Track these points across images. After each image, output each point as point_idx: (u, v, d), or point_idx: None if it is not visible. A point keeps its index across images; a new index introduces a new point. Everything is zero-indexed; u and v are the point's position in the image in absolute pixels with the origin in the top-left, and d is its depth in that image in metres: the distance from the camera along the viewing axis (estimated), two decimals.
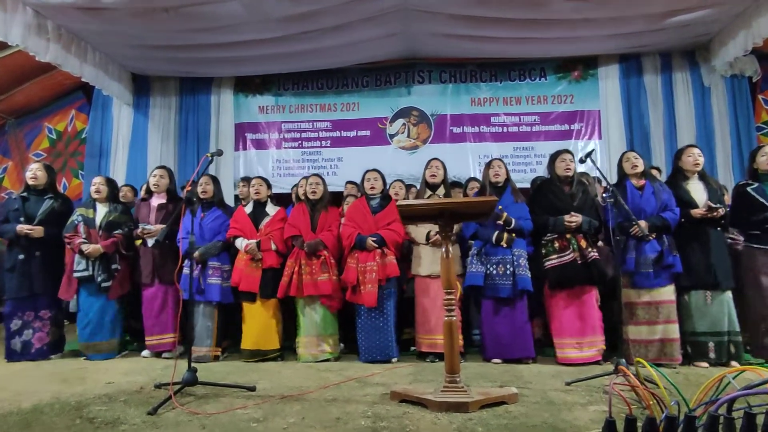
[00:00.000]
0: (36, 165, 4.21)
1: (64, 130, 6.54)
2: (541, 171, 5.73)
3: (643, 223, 3.54)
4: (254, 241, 3.98)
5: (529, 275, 3.62)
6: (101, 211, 4.19)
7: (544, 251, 3.69)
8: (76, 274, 4.01)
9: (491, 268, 3.67)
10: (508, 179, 3.91)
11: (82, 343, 4.03)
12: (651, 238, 3.57)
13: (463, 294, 3.81)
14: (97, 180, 4.27)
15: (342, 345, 4.14)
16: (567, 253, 3.59)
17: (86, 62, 5.32)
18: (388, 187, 4.61)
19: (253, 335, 3.93)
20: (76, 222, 4.09)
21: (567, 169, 3.72)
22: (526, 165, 5.89)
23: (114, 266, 4.08)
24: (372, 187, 4.04)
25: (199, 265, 3.96)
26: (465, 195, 4.63)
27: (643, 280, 3.56)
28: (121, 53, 5.62)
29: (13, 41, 4.47)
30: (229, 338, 4.22)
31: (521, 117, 6.03)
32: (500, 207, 3.67)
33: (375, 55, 5.93)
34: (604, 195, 3.29)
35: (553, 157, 3.83)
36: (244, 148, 6.35)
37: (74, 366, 3.76)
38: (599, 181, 4.19)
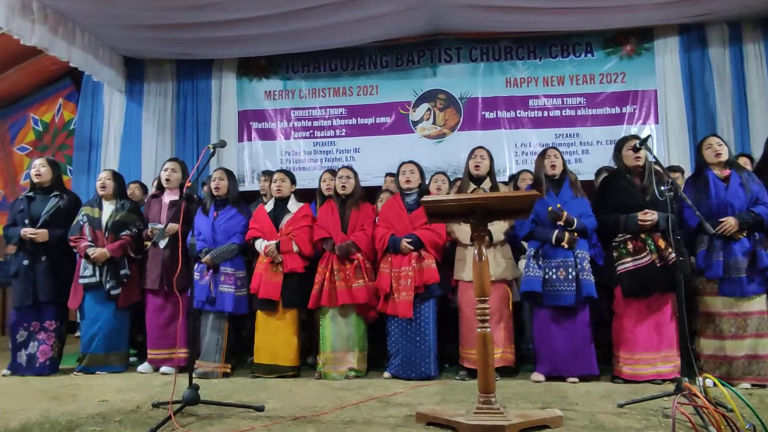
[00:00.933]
0: (39, 161, 4.31)
1: (51, 121, 6.69)
2: (588, 161, 5.67)
3: (732, 221, 3.45)
4: (274, 242, 4.01)
5: (593, 281, 3.58)
6: (107, 209, 4.27)
7: (615, 254, 3.61)
8: (82, 281, 4.11)
9: (551, 273, 3.63)
10: (565, 171, 3.86)
11: (90, 354, 4.11)
12: (741, 237, 3.47)
13: (516, 300, 3.78)
14: (103, 174, 4.36)
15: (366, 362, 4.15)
16: (643, 255, 3.52)
17: (74, 45, 5.43)
18: (428, 181, 4.61)
19: (270, 349, 3.95)
20: (81, 223, 4.18)
21: (637, 158, 3.64)
22: (570, 155, 5.81)
23: (123, 271, 4.16)
24: (407, 181, 4.03)
25: (210, 271, 4.00)
26: (516, 188, 4.58)
27: (733, 288, 3.45)
28: (113, 34, 5.72)
29: None
30: (239, 353, 4.26)
31: (564, 99, 5.95)
32: (558, 206, 3.63)
33: (395, 31, 5.90)
34: (662, 188, 3.22)
35: (619, 146, 3.76)
36: (249, 139, 6.41)
37: (65, 382, 3.84)
38: (663, 173, 4.07)
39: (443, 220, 3.47)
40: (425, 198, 2.54)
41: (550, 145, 5.75)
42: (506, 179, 5.35)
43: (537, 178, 3.89)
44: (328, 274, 3.91)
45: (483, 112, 6.06)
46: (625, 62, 5.92)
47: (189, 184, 3.12)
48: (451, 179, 4.96)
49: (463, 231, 3.87)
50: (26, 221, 4.13)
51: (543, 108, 5.98)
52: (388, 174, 5.24)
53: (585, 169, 5.50)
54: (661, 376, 3.47)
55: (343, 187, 4.10)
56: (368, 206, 4.20)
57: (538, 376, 3.65)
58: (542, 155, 3.88)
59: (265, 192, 4.96)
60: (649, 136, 3.47)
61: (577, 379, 3.58)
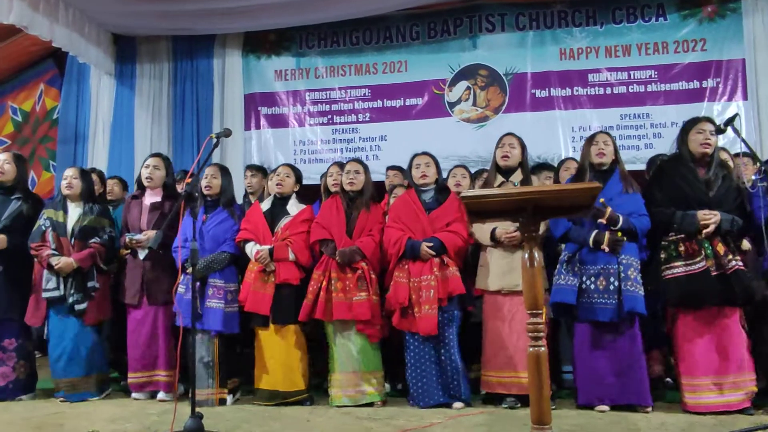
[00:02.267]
0: (3, 156, 4.37)
1: (31, 110, 6.85)
2: (661, 147, 5.56)
3: None
4: (267, 246, 4.01)
5: (642, 292, 3.50)
6: (74, 213, 4.30)
7: (664, 255, 3.56)
8: (45, 294, 4.14)
9: (587, 282, 3.58)
10: (616, 160, 3.79)
11: (55, 379, 4.18)
12: None
13: (550, 316, 3.73)
14: (69, 173, 4.38)
15: (388, 385, 4.14)
16: (697, 260, 3.46)
17: (57, 22, 5.55)
18: (446, 175, 4.58)
19: (269, 372, 3.97)
20: (43, 228, 4.21)
21: (705, 144, 3.55)
22: (639, 139, 5.72)
23: (90, 284, 4.19)
24: (423, 176, 4.01)
25: (197, 283, 4.01)
26: (557, 180, 4.52)
27: None
28: (100, 9, 5.83)
29: None
30: (241, 374, 4.28)
31: (631, 73, 5.86)
32: (602, 201, 3.57)
33: None
34: (753, 177, 3.13)
35: (687, 127, 3.69)
36: (257, 127, 6.46)
37: (49, 409, 3.91)
38: (754, 159, 3.97)
39: (486, 219, 3.44)
40: (466, 193, 2.50)
41: (615, 128, 5.70)
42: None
43: (581, 168, 3.84)
44: (325, 282, 3.89)
45: (533, 91, 5.99)
46: (705, 26, 5.79)
47: (189, 180, 3.16)
48: (473, 171, 4.91)
49: (482, 231, 3.86)
50: None
51: (605, 84, 5.90)
52: (390, 167, 5.21)
53: None
54: (730, 406, 3.39)
55: (351, 183, 4.08)
56: (379, 208, 4.20)
57: (603, 407, 3.58)
58: (589, 141, 3.83)
59: (253, 190, 4.98)
60: (736, 115, 3.38)
61: (649, 409, 3.51)
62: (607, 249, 3.54)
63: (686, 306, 3.49)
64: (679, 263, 3.50)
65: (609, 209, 3.56)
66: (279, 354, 3.97)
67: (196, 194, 3.29)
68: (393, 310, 3.85)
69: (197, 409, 3.03)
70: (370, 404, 3.86)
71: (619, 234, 3.56)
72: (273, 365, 3.96)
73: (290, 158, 6.20)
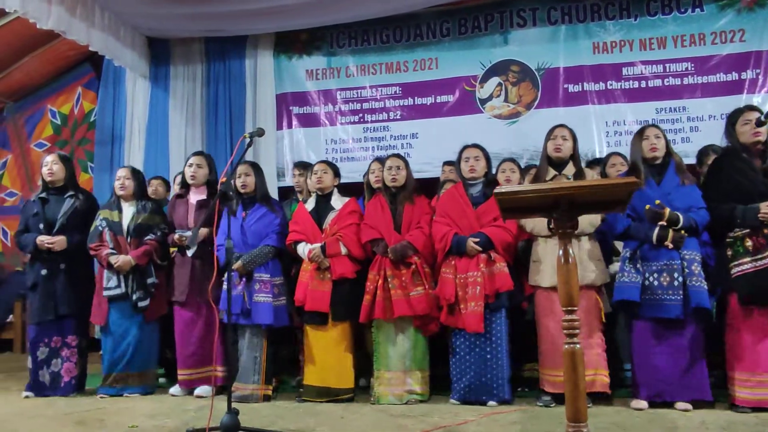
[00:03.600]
0: (51, 157, 4.53)
1: (69, 113, 7.03)
2: (698, 141, 5.48)
3: None
4: (318, 244, 4.07)
5: (706, 288, 3.49)
6: (128, 211, 4.45)
7: (730, 252, 3.52)
8: (107, 293, 4.29)
9: (651, 278, 3.56)
10: (669, 153, 3.75)
11: (116, 374, 4.29)
12: None
13: (607, 312, 3.72)
14: (121, 173, 4.54)
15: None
16: (766, 254, 3.42)
17: (94, 27, 5.68)
18: (496, 169, 4.58)
19: (321, 368, 4.02)
20: (100, 228, 4.37)
21: (756, 133, 3.50)
22: (676, 133, 5.63)
23: (150, 280, 4.34)
24: (472, 169, 3.99)
25: (243, 279, 4.10)
26: (604, 175, 4.48)
27: None
28: (135, 11, 5.95)
29: (11, 7, 4.85)
30: (281, 372, 4.36)
31: (667, 66, 5.77)
32: (658, 201, 3.54)
33: None
34: None
35: (733, 119, 3.65)
36: (289, 126, 6.52)
37: (91, 405, 4.05)
38: None
39: (520, 215, 3.43)
40: (498, 189, 2.50)
41: (650, 122, 5.63)
42: (585, 164, 5.23)
43: (633, 164, 3.79)
44: (381, 281, 3.93)
45: (565, 85, 5.95)
46: (744, 17, 5.67)
47: (223, 180, 3.22)
48: (523, 167, 4.89)
49: (539, 222, 3.80)
50: (41, 226, 4.34)
51: (640, 77, 5.82)
52: (447, 162, 5.21)
53: (694, 150, 5.31)
54: None
55: (394, 178, 4.11)
56: (423, 200, 4.21)
57: (638, 402, 3.56)
58: (639, 135, 3.78)
59: (301, 188, 5.04)
60: None
61: (689, 406, 3.47)
62: (671, 246, 3.51)
63: (757, 303, 3.43)
64: (746, 259, 3.45)
65: (667, 210, 3.53)
66: (332, 351, 4.01)
67: (231, 193, 3.35)
68: (441, 306, 3.86)
69: (233, 405, 3.10)
70: (417, 402, 3.88)
71: (682, 231, 3.53)
72: (325, 362, 4.01)
73: (322, 157, 6.20)
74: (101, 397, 4.24)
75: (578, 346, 2.45)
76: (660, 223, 3.53)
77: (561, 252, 2.51)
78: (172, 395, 4.30)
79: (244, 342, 4.13)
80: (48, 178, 4.46)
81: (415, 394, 3.91)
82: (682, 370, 3.51)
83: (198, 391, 4.25)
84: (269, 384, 4.14)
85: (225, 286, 3.88)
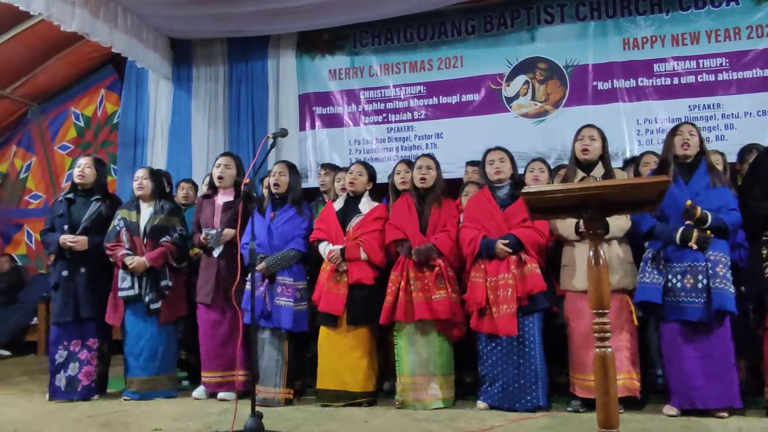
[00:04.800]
0: (85, 160, 4.61)
1: (93, 115, 7.16)
2: (733, 139, 5.43)
3: None
4: (339, 246, 4.08)
5: (732, 290, 3.42)
6: (145, 212, 4.50)
7: (766, 251, 3.47)
8: (121, 293, 4.34)
9: (674, 280, 3.52)
10: (702, 152, 3.69)
11: (135, 378, 4.34)
12: None
13: (639, 315, 3.67)
14: (139, 173, 4.60)
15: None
16: None
17: (117, 28, 5.80)
18: (524, 169, 4.56)
19: (336, 371, 4.02)
20: (117, 228, 4.42)
21: None
22: (710, 131, 5.55)
23: (164, 283, 4.38)
24: (498, 171, 3.97)
25: (266, 281, 4.13)
26: (637, 175, 4.44)
27: None
28: (157, 13, 6.05)
29: (36, 10, 4.96)
30: (304, 376, 4.37)
31: (701, 62, 5.71)
32: (689, 202, 3.49)
33: None
34: None
35: None
36: (312, 127, 6.57)
37: (115, 408, 4.09)
38: None
39: (548, 216, 3.40)
40: (526, 189, 2.48)
41: (683, 120, 5.56)
42: (621, 164, 5.19)
43: (663, 161, 3.75)
44: (403, 283, 3.92)
45: (594, 83, 5.91)
46: None
47: (247, 181, 3.25)
48: (552, 167, 4.86)
49: (566, 225, 3.78)
50: (66, 227, 4.41)
51: (672, 74, 5.76)
52: (470, 163, 5.21)
53: (729, 149, 5.21)
54: None
55: (423, 179, 4.10)
56: (451, 203, 4.20)
57: (670, 408, 3.52)
58: (673, 132, 3.73)
59: (327, 188, 5.06)
60: None
61: (725, 413, 3.41)
62: (695, 246, 3.47)
63: None
64: None
65: (698, 209, 3.48)
66: (347, 353, 4.01)
67: (255, 194, 3.37)
68: (470, 312, 3.85)
69: (256, 409, 3.12)
70: (441, 408, 3.85)
71: (708, 232, 3.48)
72: (342, 365, 4.00)
73: (345, 158, 6.28)
74: (125, 400, 4.30)
75: (609, 350, 2.42)
76: (686, 221, 3.49)
77: (591, 254, 2.48)
78: (195, 398, 4.33)
79: (265, 344, 4.15)
80: (78, 180, 4.52)
81: (440, 400, 3.89)
82: (711, 375, 3.45)
83: (221, 394, 4.28)
84: (291, 388, 4.15)
85: (248, 287, 3.92)
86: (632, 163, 4.84)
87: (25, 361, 6.45)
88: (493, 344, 3.80)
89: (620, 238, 3.70)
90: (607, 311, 2.47)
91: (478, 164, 4.88)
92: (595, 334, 2.48)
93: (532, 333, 3.75)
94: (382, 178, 5.32)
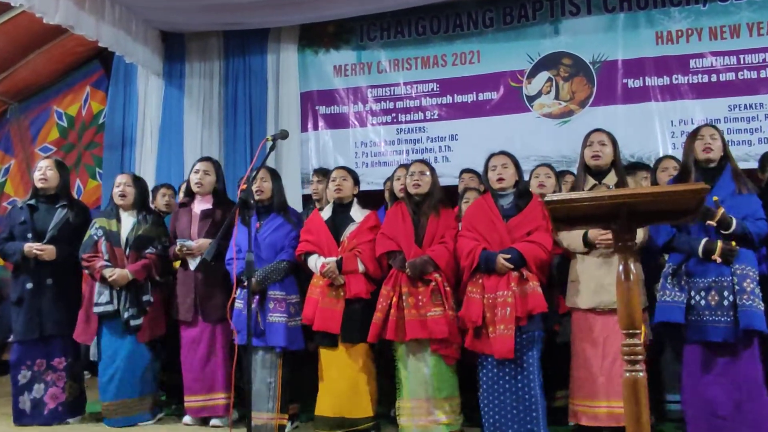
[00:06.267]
0: (45, 162, 4.61)
1: (77, 115, 7.16)
2: None
3: None
4: (333, 258, 4.06)
5: (761, 307, 3.39)
6: (127, 222, 4.49)
7: None
8: (97, 309, 4.30)
9: (697, 297, 3.49)
10: (726, 156, 3.68)
11: (106, 402, 4.32)
12: None
13: (650, 339, 3.66)
14: (122, 179, 4.58)
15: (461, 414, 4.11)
16: None
17: (104, 21, 5.80)
18: (529, 177, 4.54)
19: (334, 397, 4.00)
20: (95, 238, 4.40)
21: None
22: (751, 133, 5.54)
23: (145, 297, 4.36)
24: (500, 179, 3.96)
25: (257, 296, 4.10)
26: (655, 182, 4.42)
27: None
28: (148, 4, 6.06)
29: (16, 1, 4.98)
30: (300, 399, 4.34)
31: (741, 57, 5.66)
32: (715, 199, 3.46)
33: None
34: None
35: None
36: (315, 128, 6.56)
37: None
38: None
39: (573, 226, 3.37)
40: (550, 197, 2.47)
41: (722, 120, 5.53)
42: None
43: (684, 166, 3.74)
44: (395, 298, 3.90)
45: (624, 80, 5.89)
46: None
47: (243, 187, 3.22)
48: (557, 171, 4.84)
49: (573, 237, 3.78)
50: (29, 236, 4.38)
51: (710, 70, 5.73)
52: (465, 170, 5.19)
53: None
54: None
55: (416, 184, 4.08)
56: (450, 212, 4.19)
57: None
58: (693, 135, 3.73)
59: (319, 196, 5.06)
60: None
61: None
62: (719, 260, 3.43)
63: None
64: None
65: (721, 210, 3.45)
66: (346, 376, 4.00)
67: (252, 201, 3.35)
68: (466, 329, 3.82)
69: None
70: None
71: (733, 243, 3.44)
72: (339, 389, 3.99)
73: (351, 161, 6.26)
74: (108, 425, 4.26)
75: (641, 374, 2.40)
76: (709, 223, 3.44)
77: (621, 268, 2.46)
78: (186, 425, 4.30)
79: (256, 365, 4.12)
80: (39, 185, 4.50)
81: (443, 425, 3.85)
82: (739, 403, 3.40)
83: (214, 421, 4.26)
84: (285, 412, 4.12)
85: (237, 304, 3.90)
86: (641, 168, 4.79)
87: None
88: (489, 366, 3.78)
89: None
90: (638, 331, 2.45)
91: (476, 172, 4.92)
92: (626, 357, 2.46)
93: (531, 356, 3.73)
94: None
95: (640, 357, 2.42)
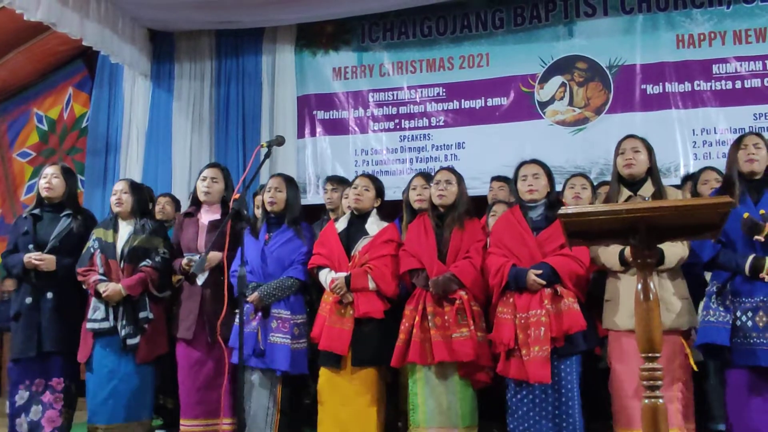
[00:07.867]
0: (51, 169, 4.58)
1: (58, 118, 7.18)
2: None
3: None
4: (342, 274, 4.05)
5: None
6: (124, 232, 4.45)
7: None
8: (90, 325, 4.25)
9: (743, 317, 3.47)
10: None
11: (98, 426, 4.25)
12: None
13: (697, 361, 3.63)
14: (118, 186, 4.56)
15: None
16: None
17: (88, 18, 5.83)
18: (563, 187, 4.56)
19: (338, 422, 3.97)
20: (92, 250, 4.38)
21: None
22: None
23: (143, 314, 4.30)
24: (531, 190, 3.93)
25: (259, 314, 4.09)
26: (695, 194, 4.43)
27: None
28: (135, 0, 6.08)
29: None
30: (300, 426, 4.33)
31: (767, 63, 5.70)
32: (762, 212, 3.47)
33: None
34: None
35: None
36: (312, 134, 6.59)
37: None
38: None
39: (589, 242, 3.38)
40: (563, 210, 2.47)
41: (747, 129, 5.55)
42: (679, 181, 5.17)
43: (727, 178, 3.72)
44: (419, 319, 3.88)
45: (643, 86, 5.92)
46: None
47: (236, 197, 3.24)
48: (595, 183, 4.86)
49: (609, 253, 3.73)
50: (31, 247, 4.37)
51: (734, 76, 5.76)
52: (495, 178, 5.21)
53: None
54: None
55: (441, 195, 4.07)
56: (476, 224, 4.17)
57: None
58: (736, 145, 3.70)
59: (335, 206, 5.06)
60: None
61: None
62: (767, 278, 3.44)
63: None
64: None
65: None
66: (355, 401, 3.97)
67: (245, 212, 3.37)
68: (497, 353, 3.80)
69: None
70: None
71: None
72: (346, 414, 3.96)
73: (350, 170, 6.29)
74: None
75: (661, 401, 2.41)
76: (757, 238, 3.45)
77: (640, 287, 2.47)
78: None
79: (254, 388, 4.11)
80: (44, 193, 4.49)
81: None
82: None
83: None
84: None
85: (236, 321, 3.90)
86: (690, 180, 4.82)
87: None
88: (524, 392, 3.74)
89: (674, 269, 3.68)
90: (658, 355, 2.45)
91: (506, 180, 4.89)
92: (644, 382, 2.46)
93: (569, 379, 3.68)
94: (392, 194, 5.34)
95: (659, 383, 2.43)
